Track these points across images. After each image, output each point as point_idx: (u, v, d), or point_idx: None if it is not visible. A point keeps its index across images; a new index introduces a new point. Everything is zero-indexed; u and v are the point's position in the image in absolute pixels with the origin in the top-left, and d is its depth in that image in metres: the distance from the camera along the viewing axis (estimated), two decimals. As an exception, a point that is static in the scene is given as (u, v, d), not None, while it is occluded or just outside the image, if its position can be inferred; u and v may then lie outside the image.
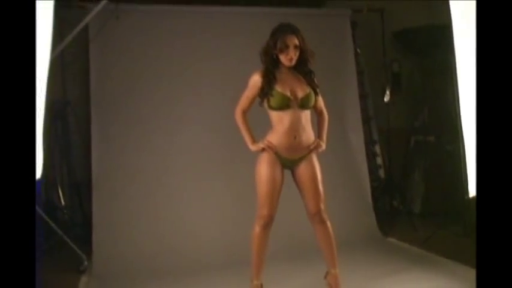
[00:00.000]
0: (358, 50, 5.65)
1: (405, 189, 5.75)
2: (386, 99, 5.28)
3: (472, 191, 3.11)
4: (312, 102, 3.27)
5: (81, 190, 5.08)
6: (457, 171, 4.49)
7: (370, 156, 5.68)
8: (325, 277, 3.41)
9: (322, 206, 3.29)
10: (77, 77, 5.05)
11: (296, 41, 3.17)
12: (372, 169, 5.60)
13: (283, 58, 3.19)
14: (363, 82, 5.74)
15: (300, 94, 3.21)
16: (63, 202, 5.04)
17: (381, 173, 5.73)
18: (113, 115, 4.62)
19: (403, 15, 5.72)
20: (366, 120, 5.67)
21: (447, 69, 4.45)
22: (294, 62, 3.20)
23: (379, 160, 5.76)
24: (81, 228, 4.92)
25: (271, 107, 3.22)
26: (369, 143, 5.64)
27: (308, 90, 3.24)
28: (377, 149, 5.77)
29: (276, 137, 3.23)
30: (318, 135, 3.42)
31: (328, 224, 3.32)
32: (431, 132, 5.60)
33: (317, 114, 3.49)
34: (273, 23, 3.33)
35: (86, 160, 4.89)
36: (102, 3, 4.22)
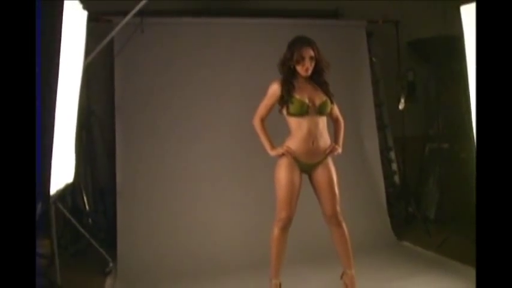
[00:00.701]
0: (374, 60, 5.78)
1: (420, 195, 5.83)
2: (401, 107, 5.38)
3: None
4: (328, 109, 3.44)
5: (106, 196, 5.25)
6: (471, 178, 4.57)
7: (386, 163, 5.79)
8: (341, 277, 3.55)
9: (338, 209, 3.44)
10: (102, 88, 5.21)
11: (312, 53, 3.34)
12: (387, 175, 5.71)
13: (299, 69, 3.36)
14: (378, 91, 5.85)
15: (318, 101, 3.38)
16: (88, 208, 5.21)
17: (396, 179, 5.82)
18: (136, 124, 4.78)
19: (418, 25, 5.82)
20: (381, 128, 5.78)
21: (460, 78, 4.56)
22: (310, 72, 3.37)
23: (394, 166, 5.85)
24: (106, 232, 5.07)
25: (290, 114, 3.39)
26: (384, 150, 5.76)
27: (324, 98, 3.41)
28: (392, 155, 5.87)
29: (294, 142, 3.39)
30: (334, 140, 3.57)
31: (344, 225, 3.46)
32: (445, 139, 5.70)
33: (333, 121, 3.65)
34: (291, 34, 3.52)
35: (110, 167, 5.06)
36: (128, 16, 4.39)
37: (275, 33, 4.67)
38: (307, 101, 3.36)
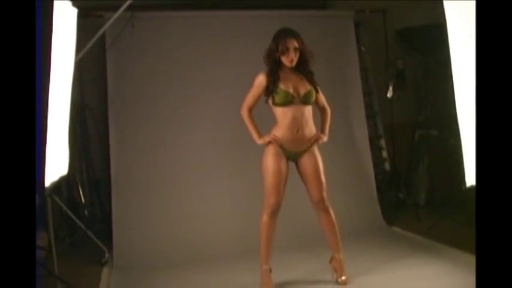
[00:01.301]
0: (363, 49, 5.86)
1: (410, 181, 5.93)
2: (389, 95, 5.47)
3: (470, 181, 3.32)
4: (313, 99, 3.53)
5: (101, 188, 5.34)
6: (459, 163, 4.67)
7: (376, 150, 5.89)
8: (330, 262, 3.66)
9: (325, 195, 3.55)
10: (94, 82, 5.29)
11: (296, 44, 3.44)
12: (378, 162, 5.82)
13: (284, 59, 3.46)
14: (367, 79, 5.94)
15: (302, 91, 3.48)
16: (83, 200, 5.30)
17: (387, 166, 5.92)
18: (129, 116, 4.86)
19: (407, 14, 5.88)
20: (371, 116, 5.87)
21: (446, 66, 4.65)
22: (294, 62, 3.47)
23: (384, 154, 5.95)
24: (101, 223, 5.18)
25: (275, 104, 3.49)
26: (374, 137, 5.86)
27: (309, 87, 3.51)
28: (382, 143, 5.96)
29: (280, 131, 3.50)
30: (321, 129, 3.68)
31: (331, 211, 3.58)
32: (434, 126, 5.79)
33: (320, 110, 3.74)
34: (280, 25, 3.61)
35: (104, 159, 5.15)
36: (119, 11, 4.46)
37: (265, 25, 4.71)
38: (291, 90, 3.46)
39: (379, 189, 5.46)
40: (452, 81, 3.61)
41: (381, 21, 5.72)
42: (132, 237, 4.57)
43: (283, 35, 3.46)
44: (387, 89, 5.52)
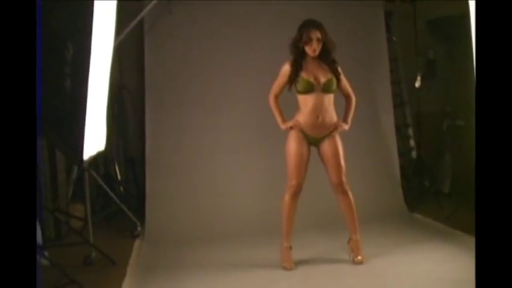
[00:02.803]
0: (394, 38, 5.96)
1: (435, 170, 6.02)
2: (417, 85, 5.56)
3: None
4: (334, 87, 3.70)
5: (136, 166, 5.64)
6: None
7: (404, 138, 6.01)
8: (348, 242, 3.85)
9: (344, 178, 3.73)
10: (133, 64, 5.54)
11: (318, 35, 3.61)
12: (405, 151, 5.94)
13: (307, 49, 3.64)
14: (397, 68, 6.04)
15: (323, 79, 3.65)
16: (119, 176, 5.59)
17: (414, 154, 6.03)
18: (164, 98, 5.11)
19: (437, 4, 5.92)
20: (400, 105, 5.97)
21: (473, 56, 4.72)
22: (317, 52, 3.64)
23: (412, 142, 6.06)
24: (135, 199, 5.47)
25: (298, 91, 3.69)
26: (402, 126, 5.97)
27: (330, 76, 3.68)
28: (410, 132, 6.07)
29: (302, 117, 3.70)
30: (344, 116, 3.85)
31: (350, 194, 3.76)
32: (461, 116, 5.86)
33: (345, 98, 3.91)
34: (310, 13, 3.82)
35: (140, 138, 5.43)
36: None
37: (295, 13, 4.84)
38: (312, 79, 3.64)
39: (404, 176, 5.58)
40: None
41: (412, 11, 5.78)
42: (163, 212, 4.83)
43: (307, 26, 3.64)
44: (416, 78, 5.61)
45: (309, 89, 3.64)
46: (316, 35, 3.61)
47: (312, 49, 3.63)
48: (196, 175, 4.97)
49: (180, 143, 5.03)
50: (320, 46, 3.63)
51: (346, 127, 3.81)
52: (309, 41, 3.61)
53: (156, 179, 4.98)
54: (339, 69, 3.75)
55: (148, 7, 4.80)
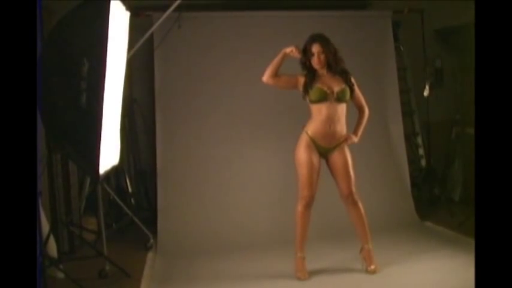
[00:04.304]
0: (402, 48, 5.99)
1: (446, 178, 6.03)
2: (425, 93, 5.58)
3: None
4: (347, 96, 3.75)
5: (147, 178, 5.66)
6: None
7: (413, 147, 6.03)
8: (360, 252, 3.86)
9: (354, 189, 3.76)
10: (143, 78, 5.57)
11: (319, 48, 3.68)
12: (414, 159, 5.95)
13: (313, 64, 3.72)
14: (405, 78, 6.07)
15: (336, 89, 3.70)
16: (130, 189, 5.61)
17: (423, 163, 6.04)
18: (174, 111, 5.14)
19: (444, 14, 5.97)
20: (409, 114, 5.99)
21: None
22: (322, 65, 3.71)
23: (421, 151, 6.07)
24: (147, 211, 5.49)
25: (311, 101, 3.73)
26: (411, 135, 5.99)
27: (343, 86, 3.73)
28: (419, 140, 6.09)
29: (313, 125, 3.74)
30: (354, 128, 3.88)
31: (360, 204, 3.78)
32: (470, 124, 5.87)
33: (357, 109, 3.94)
34: (319, 25, 3.95)
35: (150, 151, 5.45)
36: (167, 13, 4.75)
37: (305, 26, 4.90)
38: (325, 88, 3.69)
39: (414, 185, 5.60)
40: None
41: (419, 20, 5.82)
42: (175, 224, 4.85)
43: (309, 40, 3.74)
44: (424, 87, 5.63)
45: (323, 97, 3.68)
46: (317, 48, 3.69)
47: (316, 62, 3.70)
48: (207, 186, 5.00)
49: (191, 155, 5.06)
50: (323, 58, 3.69)
51: (355, 140, 3.84)
52: (311, 55, 3.70)
53: (167, 191, 5.01)
54: (353, 80, 3.79)
55: (158, 22, 4.86)
